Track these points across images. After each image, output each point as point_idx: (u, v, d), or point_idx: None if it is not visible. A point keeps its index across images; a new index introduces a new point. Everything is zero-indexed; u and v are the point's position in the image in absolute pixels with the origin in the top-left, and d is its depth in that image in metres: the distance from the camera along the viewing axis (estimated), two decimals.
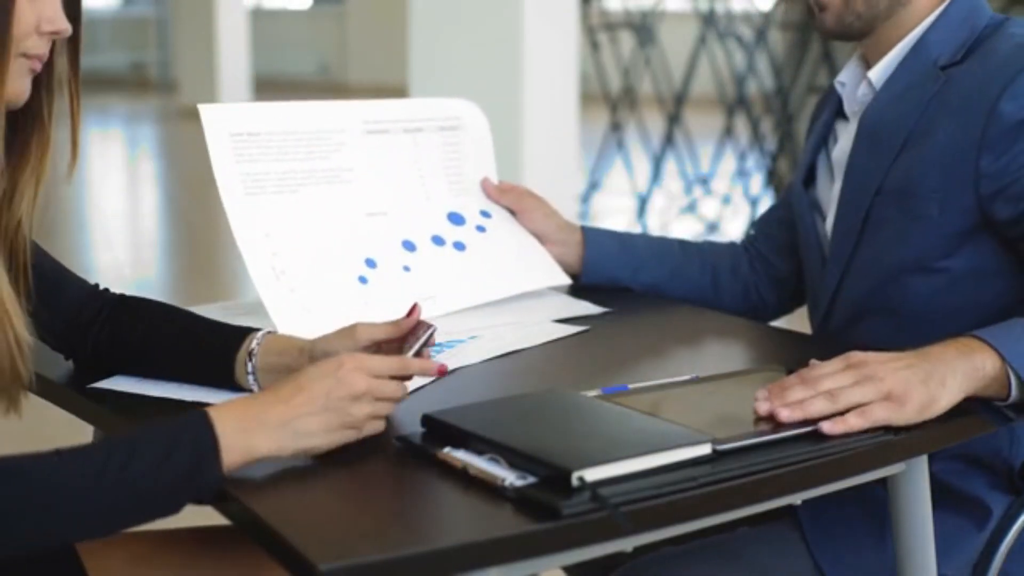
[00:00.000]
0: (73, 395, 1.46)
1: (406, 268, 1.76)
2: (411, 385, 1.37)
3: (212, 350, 1.42)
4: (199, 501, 1.14)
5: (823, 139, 1.80)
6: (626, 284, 1.93)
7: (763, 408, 1.31)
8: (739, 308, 1.93)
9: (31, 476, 1.09)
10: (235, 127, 1.67)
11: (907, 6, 1.66)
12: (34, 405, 1.38)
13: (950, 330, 1.44)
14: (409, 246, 1.79)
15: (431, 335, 1.38)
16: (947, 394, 1.34)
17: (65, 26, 1.31)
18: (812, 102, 6.84)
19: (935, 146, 1.58)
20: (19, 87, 1.29)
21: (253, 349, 1.40)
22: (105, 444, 1.13)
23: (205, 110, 1.65)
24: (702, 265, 1.95)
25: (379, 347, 1.41)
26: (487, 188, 1.94)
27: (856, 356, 1.36)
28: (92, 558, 1.39)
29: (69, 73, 1.37)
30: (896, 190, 1.61)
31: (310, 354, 1.38)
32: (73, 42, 1.36)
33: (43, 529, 1.09)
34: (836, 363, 1.35)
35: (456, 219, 1.88)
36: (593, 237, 1.94)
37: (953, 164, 1.56)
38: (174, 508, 1.14)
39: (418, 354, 1.36)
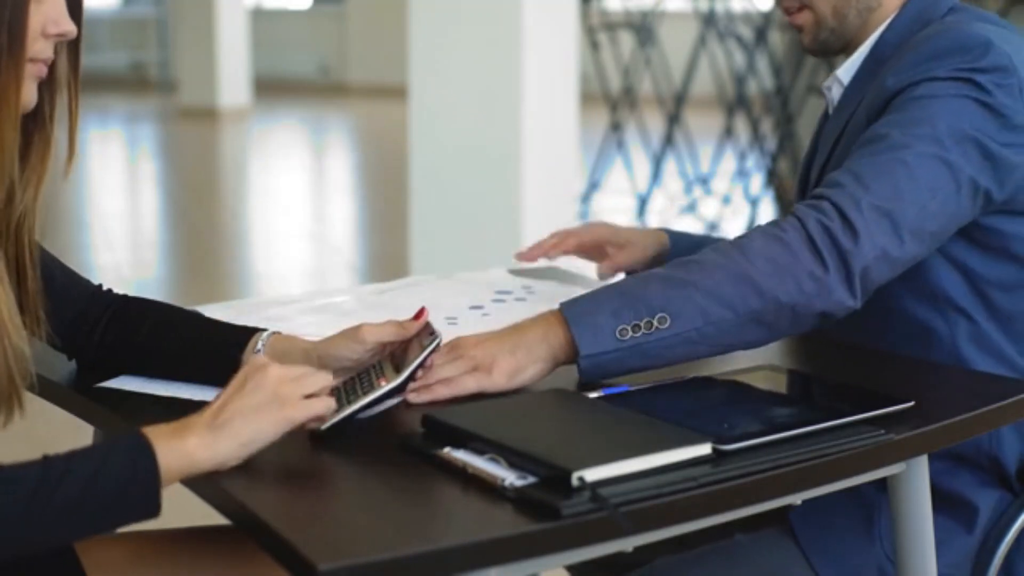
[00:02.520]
0: (76, 396, 1.46)
1: (485, 314, 1.79)
2: (411, 386, 1.37)
3: (217, 349, 1.42)
4: (146, 512, 1.12)
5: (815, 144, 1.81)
6: None
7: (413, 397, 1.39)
8: None
9: None
10: None
11: (876, 10, 1.66)
12: (34, 405, 1.38)
13: (902, 309, 1.57)
14: (477, 309, 1.82)
15: (436, 346, 1.37)
16: (533, 363, 1.42)
17: (70, 28, 1.30)
18: (812, 102, 6.86)
19: (851, 135, 1.60)
20: (29, 93, 1.29)
21: (259, 348, 1.40)
22: (42, 461, 1.10)
23: None
24: None
25: (384, 349, 1.41)
26: (527, 257, 1.94)
27: (454, 341, 1.44)
28: (91, 557, 1.39)
29: (69, 73, 1.37)
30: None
31: (315, 355, 1.38)
32: (74, 42, 1.36)
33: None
34: (441, 353, 1.43)
35: (503, 292, 1.91)
36: (675, 240, 1.93)
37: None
38: (111, 520, 1.12)
39: (422, 364, 1.36)
